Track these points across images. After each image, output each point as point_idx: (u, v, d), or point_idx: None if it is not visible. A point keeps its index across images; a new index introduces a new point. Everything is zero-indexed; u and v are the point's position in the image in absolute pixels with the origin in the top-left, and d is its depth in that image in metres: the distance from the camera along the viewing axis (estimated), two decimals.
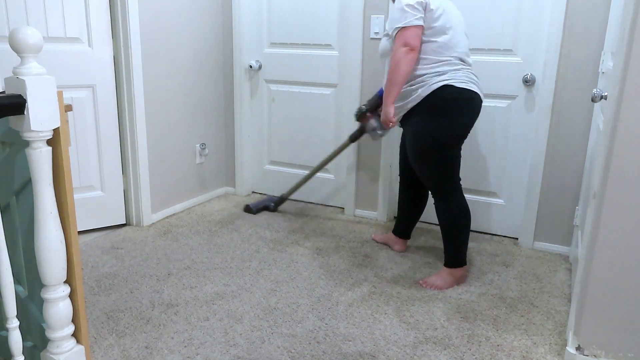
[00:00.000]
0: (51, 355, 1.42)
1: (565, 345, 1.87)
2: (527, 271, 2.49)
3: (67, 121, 1.35)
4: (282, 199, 3.23)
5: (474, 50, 2.74)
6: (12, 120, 1.26)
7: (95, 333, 1.92)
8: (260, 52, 3.32)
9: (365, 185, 3.15)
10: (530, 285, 2.35)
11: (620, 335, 1.67)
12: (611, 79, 1.69)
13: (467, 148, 2.87)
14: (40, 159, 1.27)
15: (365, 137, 2.87)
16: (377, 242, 2.79)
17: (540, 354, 1.84)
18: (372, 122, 2.63)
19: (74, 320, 1.46)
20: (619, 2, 2.12)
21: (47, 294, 1.37)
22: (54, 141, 1.32)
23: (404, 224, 2.64)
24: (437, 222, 2.41)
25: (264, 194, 3.56)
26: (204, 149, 3.33)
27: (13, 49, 1.20)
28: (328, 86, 3.17)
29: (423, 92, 2.13)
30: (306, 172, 3.38)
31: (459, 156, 2.27)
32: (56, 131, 1.32)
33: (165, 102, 3.01)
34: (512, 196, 2.83)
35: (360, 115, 2.68)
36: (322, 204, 3.38)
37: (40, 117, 1.24)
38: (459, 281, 2.32)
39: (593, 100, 1.85)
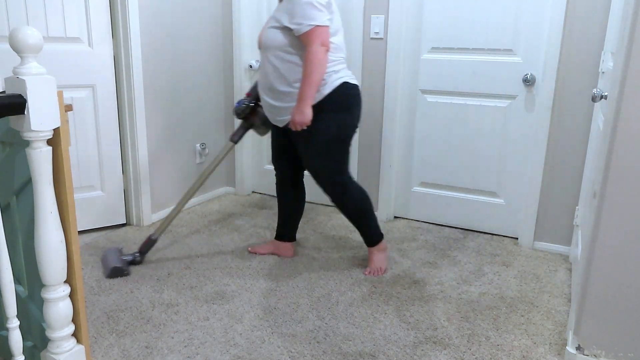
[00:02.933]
0: (51, 355, 1.42)
1: (565, 345, 1.88)
2: (527, 271, 2.49)
3: (67, 121, 1.35)
4: (152, 242, 2.48)
5: (474, 50, 2.75)
6: (12, 120, 1.26)
7: (95, 333, 1.92)
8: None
9: (365, 185, 3.15)
10: (530, 285, 2.35)
11: (620, 335, 1.68)
12: (611, 79, 1.69)
13: (467, 148, 2.87)
14: (41, 158, 1.27)
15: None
16: (258, 254, 2.58)
17: (540, 354, 1.84)
18: (262, 115, 2.43)
19: (74, 320, 1.46)
20: (619, 2, 2.12)
21: (47, 294, 1.37)
22: (54, 141, 1.32)
23: (292, 226, 2.54)
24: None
25: (264, 194, 3.56)
26: (204, 149, 3.33)
27: (13, 49, 1.20)
28: None
29: (324, 90, 2.15)
30: (305, 172, 3.37)
31: (349, 152, 2.33)
32: (56, 131, 1.32)
33: (165, 101, 3.01)
34: (512, 196, 2.83)
35: (251, 111, 2.43)
36: (322, 204, 3.38)
37: (41, 117, 1.24)
38: (385, 251, 2.47)
39: (593, 100, 1.85)
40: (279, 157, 2.46)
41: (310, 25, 2.03)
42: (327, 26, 2.06)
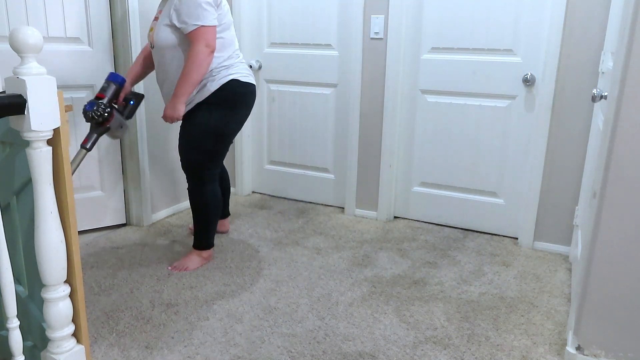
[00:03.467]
0: (51, 355, 1.42)
1: (565, 345, 1.88)
2: (527, 271, 2.49)
3: (67, 121, 1.35)
4: None
5: (474, 50, 2.75)
6: (12, 120, 1.26)
7: (95, 333, 1.92)
8: (260, 52, 3.32)
9: (365, 185, 3.15)
10: (530, 285, 2.35)
11: (620, 335, 1.68)
12: (611, 79, 1.69)
13: (467, 148, 2.87)
14: (41, 158, 1.27)
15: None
16: None
17: (540, 354, 1.84)
18: (119, 118, 2.28)
19: (74, 320, 1.46)
20: (619, 2, 2.12)
21: (47, 294, 1.37)
22: (54, 141, 1.32)
23: (223, 205, 2.70)
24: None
25: (264, 194, 3.56)
26: None
27: (13, 49, 1.20)
28: (328, 86, 3.18)
29: (212, 86, 2.21)
30: (305, 172, 3.38)
31: (228, 148, 2.39)
32: (56, 131, 1.32)
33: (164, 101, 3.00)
34: (512, 196, 2.83)
35: (109, 113, 2.21)
36: (322, 204, 3.38)
37: (41, 117, 1.24)
38: (207, 260, 2.50)
39: (593, 100, 1.85)
40: None
41: (195, 25, 2.05)
42: (213, 26, 2.08)
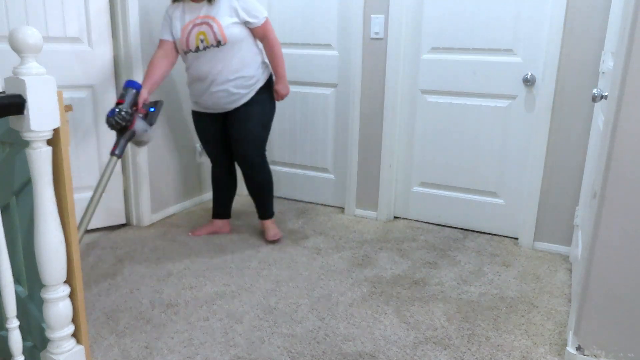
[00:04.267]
0: (51, 355, 1.42)
1: (565, 345, 1.88)
2: (527, 271, 2.49)
3: (67, 121, 1.35)
4: None
5: (474, 50, 2.75)
6: (12, 120, 1.26)
7: (95, 333, 1.92)
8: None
9: (365, 185, 3.15)
10: (530, 285, 2.35)
11: (620, 335, 1.68)
12: (611, 79, 1.69)
13: (467, 148, 2.87)
14: (40, 158, 1.27)
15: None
16: (200, 235, 2.83)
17: (540, 354, 1.84)
18: (141, 124, 2.33)
19: (74, 320, 1.46)
20: (619, 2, 2.12)
21: (47, 294, 1.37)
22: (54, 141, 1.32)
23: (226, 205, 2.86)
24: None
25: None
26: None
27: (13, 49, 1.20)
28: (328, 86, 3.17)
29: (260, 82, 2.55)
30: (305, 172, 3.38)
31: None
32: (56, 131, 1.32)
33: (164, 101, 3.00)
34: (512, 196, 2.83)
35: (129, 121, 2.26)
36: (322, 204, 3.38)
37: (40, 117, 1.24)
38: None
39: (593, 100, 1.85)
40: (215, 145, 2.71)
41: (264, 17, 2.45)
42: None
